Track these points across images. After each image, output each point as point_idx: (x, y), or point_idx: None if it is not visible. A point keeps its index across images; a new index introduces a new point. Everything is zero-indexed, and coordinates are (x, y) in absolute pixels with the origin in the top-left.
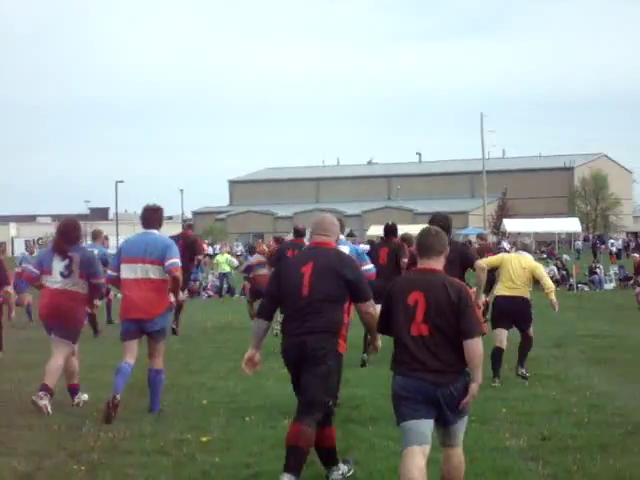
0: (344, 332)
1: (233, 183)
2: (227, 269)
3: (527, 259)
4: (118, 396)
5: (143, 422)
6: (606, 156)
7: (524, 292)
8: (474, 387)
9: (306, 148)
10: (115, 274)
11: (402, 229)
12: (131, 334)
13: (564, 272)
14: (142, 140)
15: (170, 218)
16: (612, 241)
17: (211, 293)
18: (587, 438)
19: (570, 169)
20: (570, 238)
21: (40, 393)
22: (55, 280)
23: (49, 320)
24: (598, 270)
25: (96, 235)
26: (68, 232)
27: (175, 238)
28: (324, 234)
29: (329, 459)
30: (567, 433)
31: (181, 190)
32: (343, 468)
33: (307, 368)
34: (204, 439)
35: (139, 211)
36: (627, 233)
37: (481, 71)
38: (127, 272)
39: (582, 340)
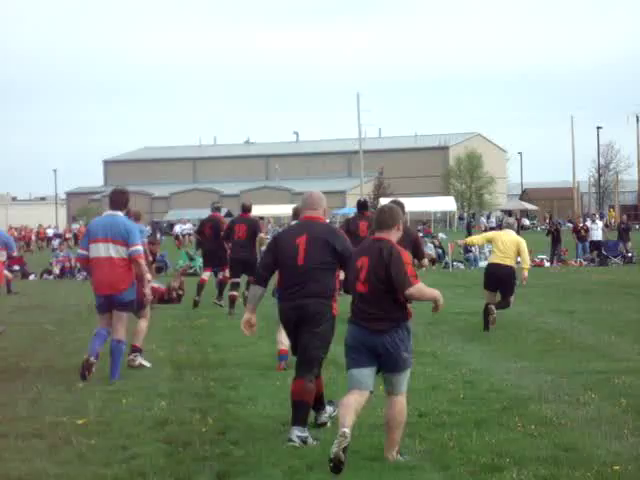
0: (336, 296)
1: (108, 163)
2: None
3: (513, 235)
4: (92, 358)
5: (18, 406)
6: (481, 135)
7: (512, 262)
8: (428, 293)
9: (183, 127)
10: (85, 253)
11: (280, 209)
12: (103, 307)
13: (440, 250)
14: (14, 119)
15: (43, 199)
16: (483, 219)
17: (85, 274)
18: (463, 414)
19: (445, 148)
20: (446, 217)
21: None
22: None
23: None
24: (473, 248)
25: (138, 216)
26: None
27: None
28: (313, 209)
29: (318, 404)
30: (443, 409)
31: (54, 170)
32: (329, 410)
33: (307, 329)
34: (80, 422)
35: (12, 192)
36: (501, 211)
37: (358, 50)
38: (95, 251)
39: (457, 317)
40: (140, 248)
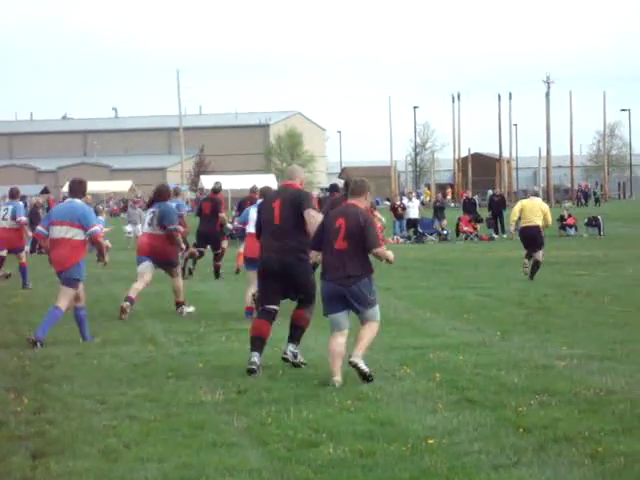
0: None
1: None
2: None
3: (538, 201)
4: (32, 337)
5: None
6: (301, 114)
7: (538, 222)
8: (387, 254)
9: None
10: (43, 231)
11: (99, 185)
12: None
13: None
14: None
15: None
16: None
17: None
18: (281, 390)
19: (266, 126)
20: None
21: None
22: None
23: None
24: None
25: (177, 192)
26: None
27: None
28: (290, 177)
29: (296, 336)
30: (262, 386)
31: None
32: (297, 354)
33: (295, 276)
34: None
35: None
36: (321, 189)
37: (179, 26)
38: (53, 232)
39: None
40: (97, 229)
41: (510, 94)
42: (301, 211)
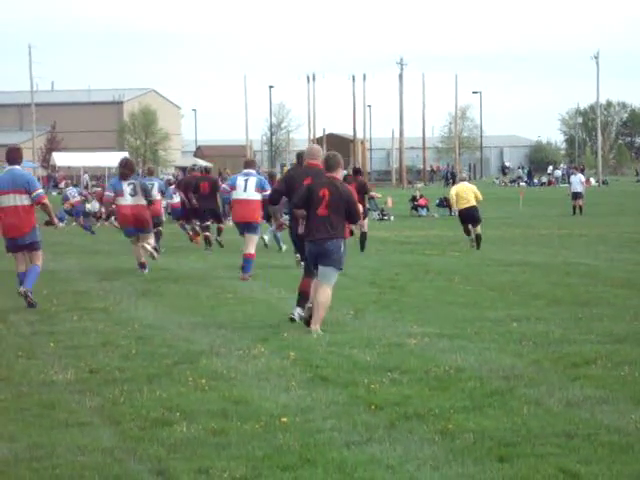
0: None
1: None
2: None
3: (468, 185)
4: (22, 288)
5: None
6: (155, 91)
7: (473, 202)
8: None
9: None
10: None
11: None
12: (11, 248)
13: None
14: None
15: None
16: (163, 176)
17: None
18: (134, 370)
19: (119, 103)
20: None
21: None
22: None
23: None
24: None
25: (151, 171)
26: (129, 166)
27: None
28: (313, 157)
29: (301, 301)
30: (115, 366)
31: None
32: (300, 311)
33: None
34: None
35: None
36: (176, 167)
37: (31, 1)
38: (3, 202)
39: (131, 274)
40: (41, 191)
41: (364, 75)
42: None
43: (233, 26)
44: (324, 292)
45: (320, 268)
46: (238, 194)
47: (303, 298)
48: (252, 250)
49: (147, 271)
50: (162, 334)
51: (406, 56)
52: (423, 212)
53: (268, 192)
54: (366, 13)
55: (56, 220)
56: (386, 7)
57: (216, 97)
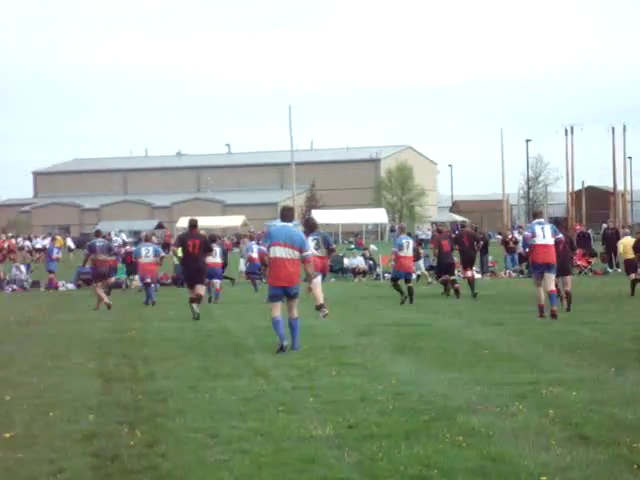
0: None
1: (37, 175)
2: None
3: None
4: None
5: None
6: (411, 148)
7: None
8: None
9: (113, 139)
10: (265, 249)
11: (212, 220)
12: (279, 297)
13: (371, 262)
14: None
15: None
16: (418, 232)
17: (15, 287)
18: (392, 426)
19: (376, 160)
20: (377, 228)
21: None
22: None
23: None
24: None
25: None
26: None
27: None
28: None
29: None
30: (372, 421)
31: None
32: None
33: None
34: (7, 435)
35: None
36: (432, 223)
37: (290, 62)
38: (275, 252)
39: (388, 329)
40: (309, 253)
41: (624, 127)
42: None
43: (489, 81)
44: None
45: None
46: None
47: None
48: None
49: None
50: (419, 390)
51: None
52: None
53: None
54: (625, 66)
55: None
56: None
57: (472, 152)
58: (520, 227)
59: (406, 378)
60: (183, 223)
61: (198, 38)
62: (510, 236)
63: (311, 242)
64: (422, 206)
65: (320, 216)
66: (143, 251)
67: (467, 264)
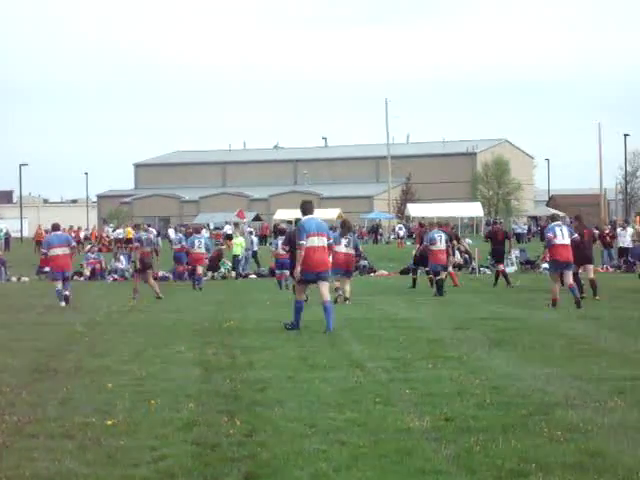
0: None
1: (139, 166)
2: (239, 252)
3: None
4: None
5: (48, 406)
6: (508, 141)
7: None
8: None
9: (213, 132)
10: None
11: None
12: (312, 280)
13: (467, 256)
14: (46, 123)
15: (74, 201)
16: (514, 226)
17: (116, 276)
18: (489, 419)
19: (473, 154)
20: (473, 222)
21: None
22: None
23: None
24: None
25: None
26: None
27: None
28: None
29: None
30: (469, 414)
31: (86, 173)
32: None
33: None
34: (109, 422)
35: (43, 194)
36: (528, 217)
37: (386, 56)
38: (313, 241)
39: (484, 322)
40: (332, 240)
41: None
42: None
43: (586, 74)
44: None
45: None
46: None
47: None
48: None
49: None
50: (516, 384)
51: None
52: None
53: None
54: None
55: None
56: None
57: (570, 146)
58: (624, 221)
59: (503, 372)
60: (280, 215)
61: (296, 31)
62: (607, 231)
63: (343, 240)
64: (518, 200)
65: (415, 209)
66: (196, 242)
67: (499, 259)
